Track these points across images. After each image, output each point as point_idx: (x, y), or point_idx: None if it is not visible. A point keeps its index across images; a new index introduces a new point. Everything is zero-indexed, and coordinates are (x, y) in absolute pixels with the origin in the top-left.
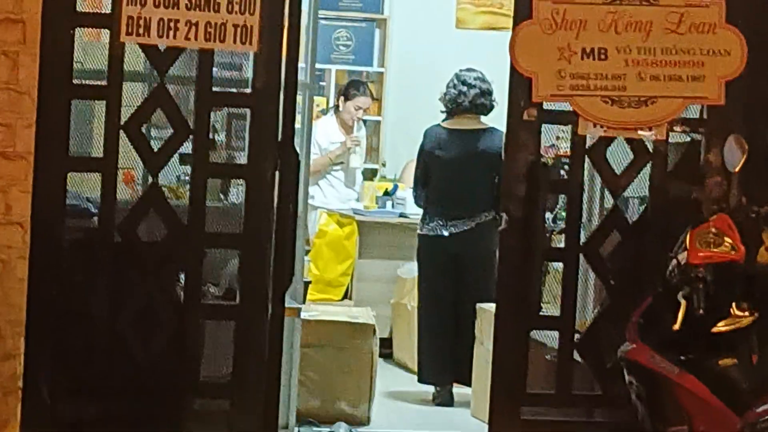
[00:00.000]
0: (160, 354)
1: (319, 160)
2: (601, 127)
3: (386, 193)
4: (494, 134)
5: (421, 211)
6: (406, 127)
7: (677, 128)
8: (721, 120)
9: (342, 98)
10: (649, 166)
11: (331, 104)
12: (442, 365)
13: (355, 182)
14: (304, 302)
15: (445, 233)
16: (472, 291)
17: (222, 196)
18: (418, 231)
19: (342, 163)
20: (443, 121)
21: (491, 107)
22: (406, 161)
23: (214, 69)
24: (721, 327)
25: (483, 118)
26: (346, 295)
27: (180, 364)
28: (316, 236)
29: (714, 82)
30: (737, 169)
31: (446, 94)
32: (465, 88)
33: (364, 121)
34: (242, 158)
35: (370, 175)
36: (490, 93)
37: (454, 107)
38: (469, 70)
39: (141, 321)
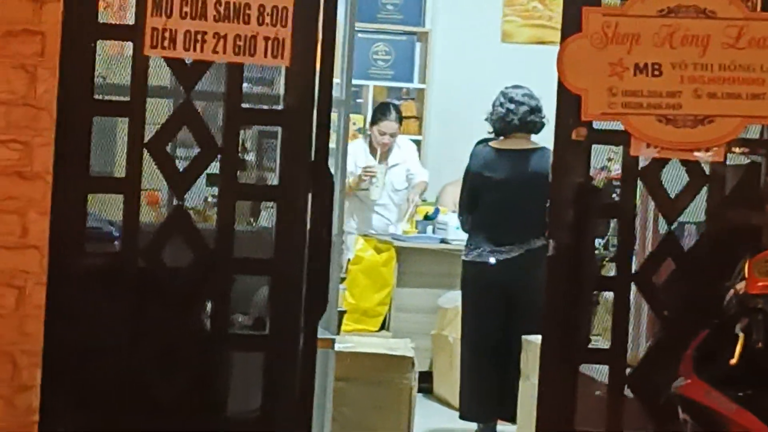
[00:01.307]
0: (184, 388)
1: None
2: (655, 147)
3: (427, 218)
4: (546, 154)
5: (465, 236)
6: (448, 148)
7: (736, 149)
8: None
9: (369, 123)
10: (705, 189)
11: (368, 121)
12: (486, 401)
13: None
14: (338, 333)
15: (493, 261)
16: (520, 323)
17: (252, 220)
18: (463, 257)
19: (366, 190)
20: (491, 141)
21: (542, 125)
22: (445, 183)
23: (244, 84)
24: None
25: (534, 138)
26: (384, 326)
27: (205, 398)
28: (351, 263)
29: None
30: None
31: (493, 113)
32: (513, 106)
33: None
34: (273, 179)
35: None
36: (539, 110)
37: (503, 126)
38: (516, 87)
39: (165, 352)
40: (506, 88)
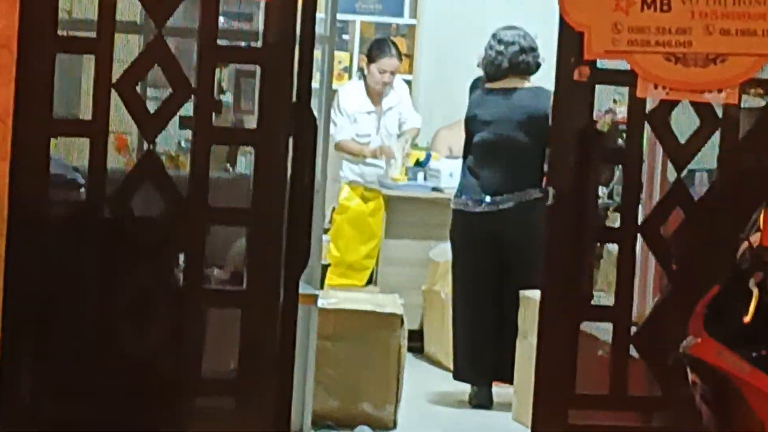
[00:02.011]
0: (156, 346)
1: (353, 147)
2: (663, 88)
3: (417, 164)
4: (542, 93)
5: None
6: (441, 88)
7: (751, 90)
8: None
9: (366, 61)
10: (718, 134)
11: (355, 61)
12: (480, 362)
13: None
14: (321, 288)
15: (482, 209)
16: (515, 277)
17: (228, 166)
18: (452, 205)
19: (369, 135)
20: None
21: (537, 65)
22: (438, 127)
23: (220, 19)
24: None
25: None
26: (371, 281)
27: (179, 357)
28: (336, 212)
29: None
30: None
31: (484, 57)
32: (502, 47)
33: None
34: (251, 122)
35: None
36: (533, 49)
37: (493, 71)
38: (508, 27)
39: (135, 308)
40: (498, 29)
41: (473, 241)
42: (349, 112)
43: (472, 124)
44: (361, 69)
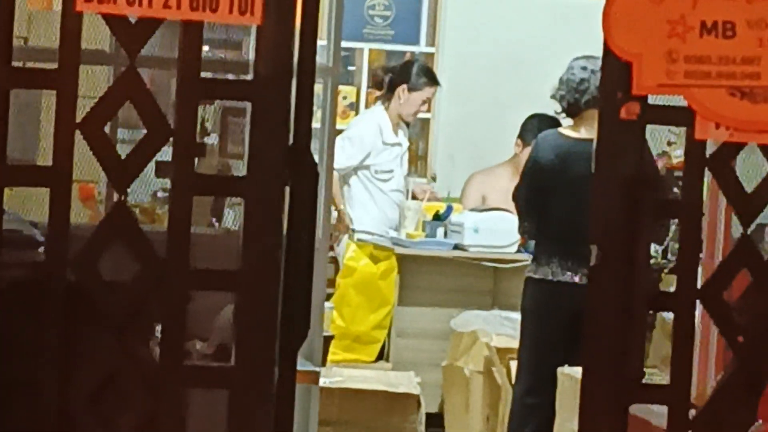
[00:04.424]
0: None
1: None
2: (727, 128)
3: (437, 217)
4: None
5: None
6: (463, 129)
7: None
8: None
9: (405, 87)
10: None
11: (363, 96)
12: None
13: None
14: (323, 364)
15: (574, 279)
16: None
17: (213, 220)
18: (530, 274)
19: (392, 171)
20: (563, 127)
21: None
22: (471, 174)
23: (204, 48)
24: None
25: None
26: (382, 356)
27: None
28: (341, 275)
29: None
30: None
31: (562, 86)
32: (587, 75)
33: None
34: (240, 169)
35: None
36: None
37: (576, 99)
38: (588, 57)
39: (103, 389)
40: (576, 58)
41: (557, 317)
42: (367, 143)
43: (549, 178)
44: (385, 96)
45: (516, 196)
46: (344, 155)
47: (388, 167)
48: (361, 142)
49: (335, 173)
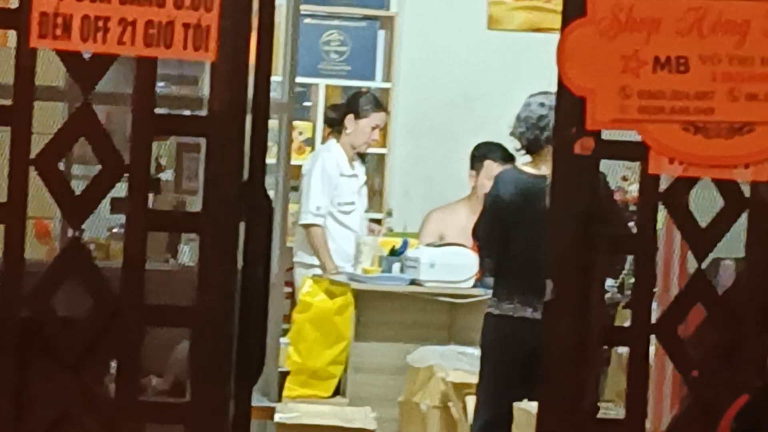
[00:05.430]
0: None
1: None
2: (681, 163)
3: (393, 253)
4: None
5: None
6: (419, 164)
7: None
8: None
9: (351, 116)
10: (745, 216)
11: (318, 132)
12: None
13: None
14: (279, 400)
15: (534, 315)
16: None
17: (168, 256)
18: (490, 310)
19: (353, 203)
20: (523, 163)
21: None
22: (429, 211)
23: (158, 84)
24: None
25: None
26: (338, 391)
27: None
28: (297, 310)
29: None
30: None
31: (521, 123)
32: (546, 111)
33: (362, 157)
34: (196, 205)
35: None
36: None
37: (536, 136)
38: (543, 93)
39: (57, 426)
40: (532, 95)
41: (517, 353)
42: (332, 177)
43: (510, 216)
44: (336, 129)
45: (476, 232)
46: (318, 193)
47: (349, 198)
48: (329, 176)
49: (318, 229)
